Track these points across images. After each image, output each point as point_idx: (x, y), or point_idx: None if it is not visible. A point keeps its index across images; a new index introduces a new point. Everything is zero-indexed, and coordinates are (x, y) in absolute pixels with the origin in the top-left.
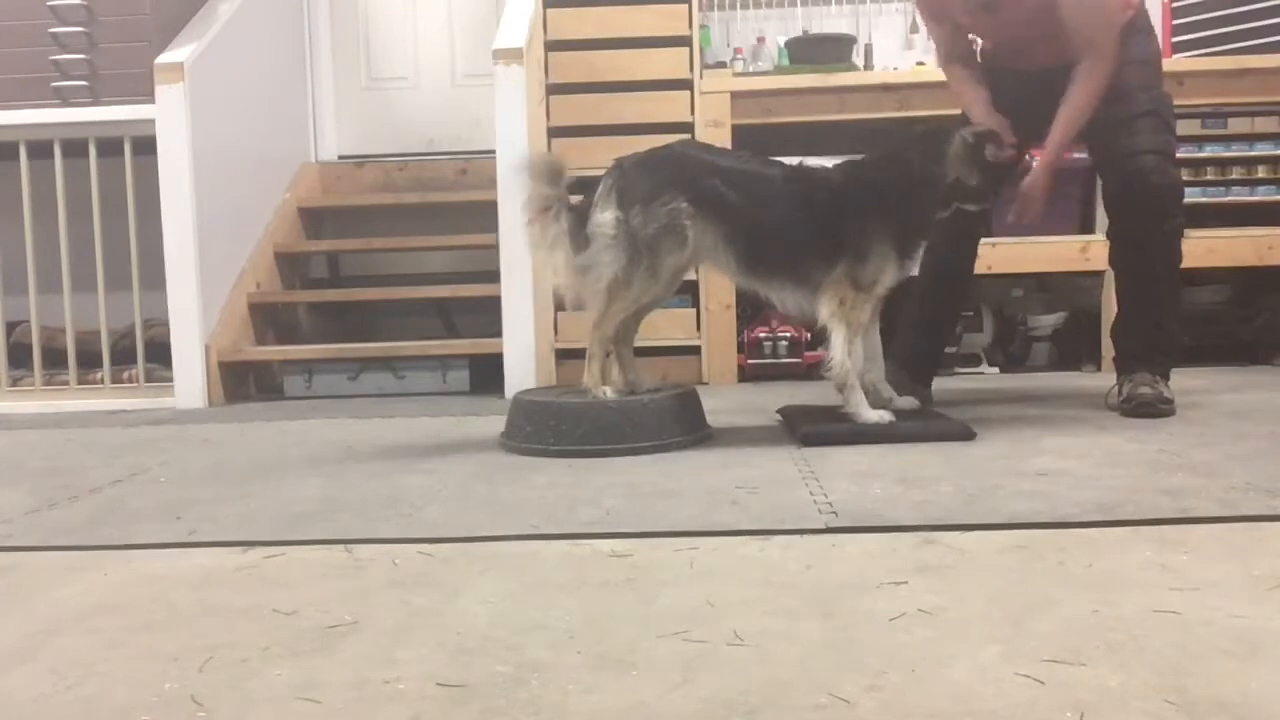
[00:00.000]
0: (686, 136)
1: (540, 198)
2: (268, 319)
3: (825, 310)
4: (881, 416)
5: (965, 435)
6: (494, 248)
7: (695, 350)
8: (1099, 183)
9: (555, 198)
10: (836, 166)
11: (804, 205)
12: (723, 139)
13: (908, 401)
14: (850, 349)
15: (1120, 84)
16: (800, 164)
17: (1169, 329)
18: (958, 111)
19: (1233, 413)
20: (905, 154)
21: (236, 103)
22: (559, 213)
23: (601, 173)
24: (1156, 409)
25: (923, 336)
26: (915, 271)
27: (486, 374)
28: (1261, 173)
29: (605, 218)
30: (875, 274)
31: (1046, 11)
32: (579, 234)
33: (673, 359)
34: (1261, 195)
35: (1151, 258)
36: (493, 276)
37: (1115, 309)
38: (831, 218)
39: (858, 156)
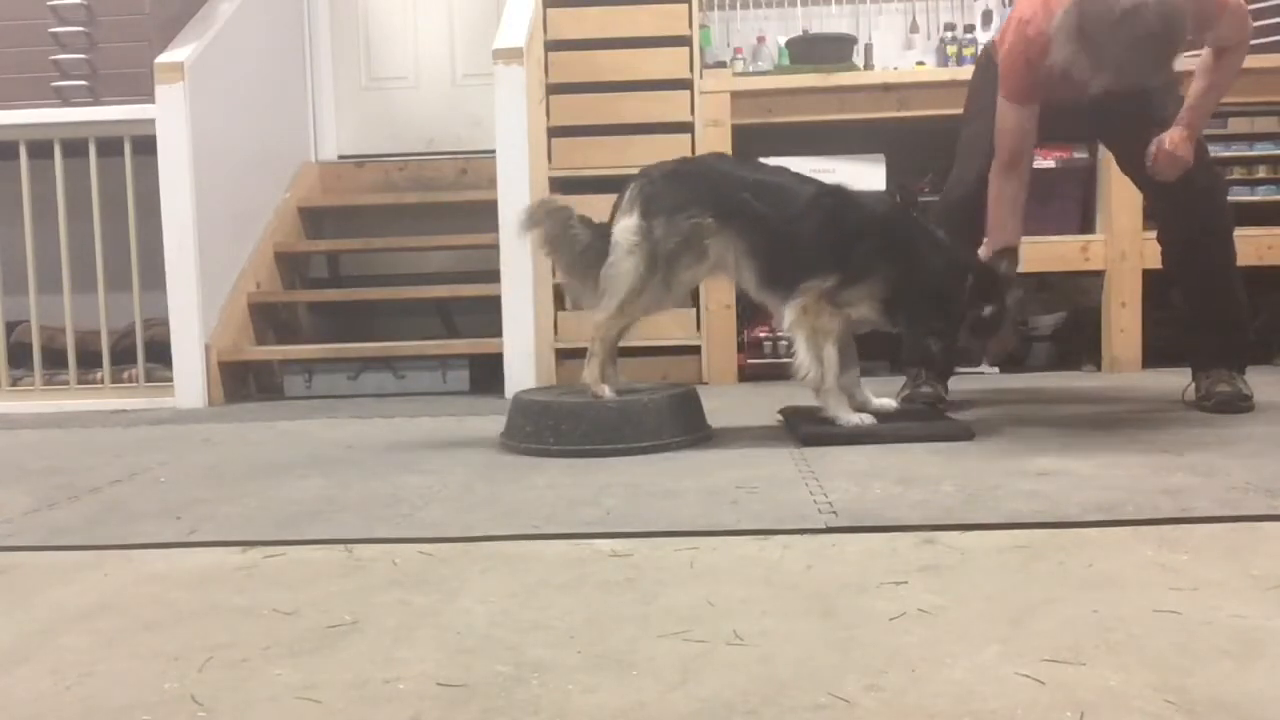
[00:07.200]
0: (720, 151)
1: (548, 239)
2: (268, 319)
3: (789, 317)
4: (862, 419)
5: (965, 435)
6: (494, 248)
7: (695, 350)
8: (1097, 184)
9: (561, 226)
10: (884, 201)
11: (830, 223)
12: (722, 139)
13: (885, 403)
14: (819, 354)
15: (1144, 91)
16: (840, 185)
17: (1240, 324)
18: (958, 111)
19: None
20: (961, 260)
21: (236, 102)
22: (571, 227)
23: (600, 173)
24: (1236, 405)
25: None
26: (892, 328)
27: (486, 374)
28: (1262, 173)
29: (629, 223)
30: (855, 299)
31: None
32: (593, 245)
33: (673, 359)
34: (1261, 195)
35: (1210, 257)
36: (493, 276)
37: (1113, 309)
38: (852, 238)
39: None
